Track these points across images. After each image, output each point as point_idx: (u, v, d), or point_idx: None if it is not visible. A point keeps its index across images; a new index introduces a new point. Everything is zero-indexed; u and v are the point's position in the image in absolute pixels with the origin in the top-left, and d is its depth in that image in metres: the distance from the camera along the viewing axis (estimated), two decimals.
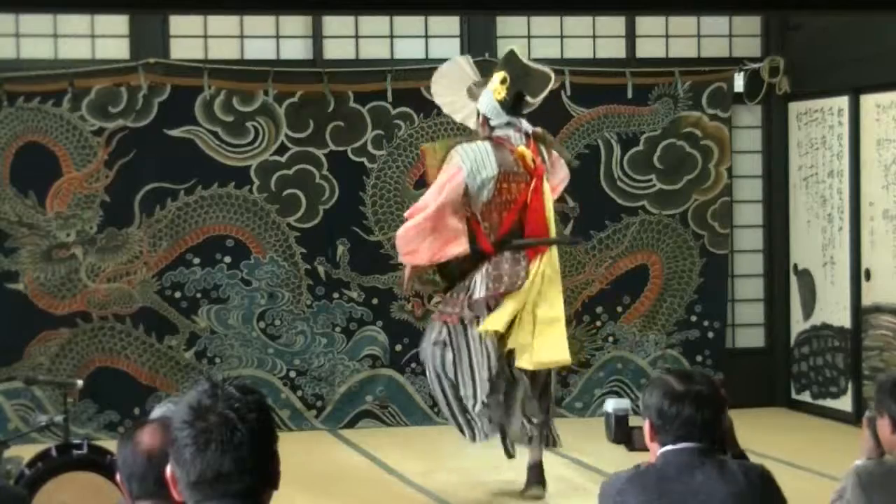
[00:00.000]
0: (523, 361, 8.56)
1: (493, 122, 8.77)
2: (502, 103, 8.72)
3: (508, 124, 8.74)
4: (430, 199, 8.71)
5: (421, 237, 8.66)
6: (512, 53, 8.96)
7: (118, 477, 3.44)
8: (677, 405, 3.92)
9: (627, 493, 3.94)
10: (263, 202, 11.16)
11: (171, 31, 11.09)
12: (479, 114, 8.88)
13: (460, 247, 8.64)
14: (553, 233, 8.95)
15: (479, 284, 8.65)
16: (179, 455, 2.67)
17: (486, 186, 8.63)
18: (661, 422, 3.95)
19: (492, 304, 8.65)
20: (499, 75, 8.81)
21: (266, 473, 2.69)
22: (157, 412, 3.74)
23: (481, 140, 8.76)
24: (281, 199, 11.18)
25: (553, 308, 8.64)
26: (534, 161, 8.73)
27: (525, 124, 8.85)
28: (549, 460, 9.85)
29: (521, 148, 8.72)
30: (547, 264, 8.71)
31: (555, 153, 9.09)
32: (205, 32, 11.17)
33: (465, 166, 8.63)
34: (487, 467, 9.66)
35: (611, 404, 3.95)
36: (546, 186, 8.77)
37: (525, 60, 8.98)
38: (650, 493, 3.91)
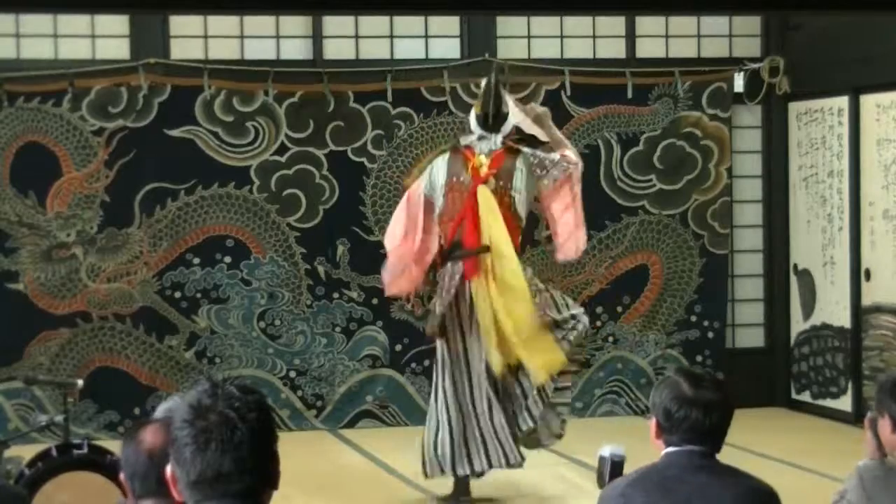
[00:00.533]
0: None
1: (467, 134, 8.82)
2: (478, 117, 8.75)
3: (481, 137, 8.72)
4: (399, 225, 8.80)
5: (401, 264, 8.78)
6: (493, 78, 8.99)
7: (121, 476, 3.45)
8: (685, 409, 3.92)
9: (631, 495, 3.94)
10: (263, 202, 11.16)
11: (171, 31, 11.09)
12: None
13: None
14: (502, 243, 8.49)
15: (438, 306, 8.67)
16: (179, 454, 2.67)
17: (439, 196, 8.65)
18: (667, 423, 3.95)
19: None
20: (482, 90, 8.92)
21: (266, 473, 2.69)
22: (161, 409, 3.73)
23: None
24: (281, 199, 11.18)
25: (522, 324, 8.38)
26: (488, 169, 8.57)
27: (497, 138, 8.67)
28: (550, 460, 9.87)
29: (480, 157, 8.62)
30: (497, 277, 8.43)
31: (555, 172, 8.79)
32: (205, 32, 11.17)
33: (424, 178, 8.74)
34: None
35: (607, 449, 3.91)
36: (485, 196, 8.50)
37: (501, 91, 8.95)
38: (654, 494, 3.91)
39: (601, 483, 4.36)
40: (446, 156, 8.73)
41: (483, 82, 8.96)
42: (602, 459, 4.39)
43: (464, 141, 8.76)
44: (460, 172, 8.60)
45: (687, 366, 11.39)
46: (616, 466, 4.32)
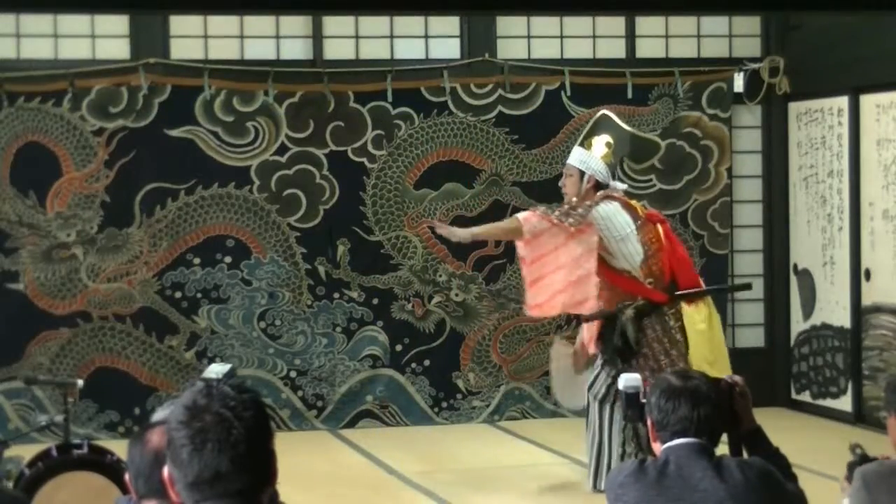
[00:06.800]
0: None
1: (602, 182, 8.89)
2: (611, 165, 8.96)
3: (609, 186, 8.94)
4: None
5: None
6: (606, 118, 9.12)
7: (126, 476, 3.45)
8: (674, 401, 4.00)
9: (628, 486, 4.00)
10: (264, 202, 11.16)
11: (171, 31, 11.09)
12: (584, 175, 8.87)
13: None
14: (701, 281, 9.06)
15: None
16: (176, 455, 2.67)
17: (630, 242, 8.73)
18: (660, 417, 4.01)
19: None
20: (603, 139, 8.95)
21: (264, 471, 2.69)
22: (159, 414, 3.74)
23: (604, 201, 8.79)
24: (281, 199, 11.18)
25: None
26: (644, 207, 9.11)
27: (620, 185, 9.08)
28: (549, 460, 9.88)
29: (633, 201, 9.04)
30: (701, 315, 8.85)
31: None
32: (205, 32, 11.17)
33: (599, 224, 8.69)
34: (488, 467, 9.68)
35: (622, 381, 4.00)
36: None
37: (622, 124, 9.17)
38: (649, 490, 3.95)
39: (623, 413, 4.54)
40: (616, 204, 8.80)
41: (603, 138, 8.97)
42: (619, 393, 4.57)
43: (615, 189, 8.92)
44: (636, 215, 8.85)
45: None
46: (631, 398, 4.40)
